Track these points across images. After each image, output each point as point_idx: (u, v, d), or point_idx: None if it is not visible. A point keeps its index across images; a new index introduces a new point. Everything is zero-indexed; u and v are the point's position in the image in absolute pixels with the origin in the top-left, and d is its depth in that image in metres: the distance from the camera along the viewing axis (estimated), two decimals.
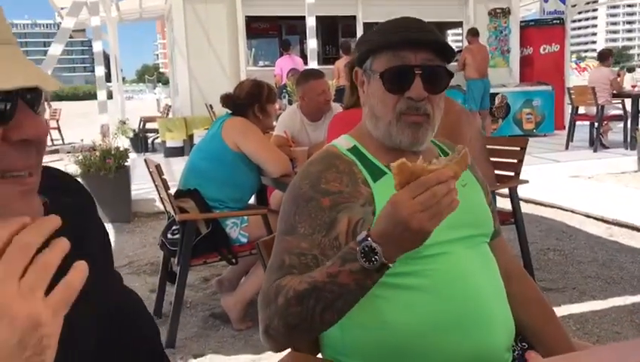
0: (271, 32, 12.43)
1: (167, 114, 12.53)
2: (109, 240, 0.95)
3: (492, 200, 1.48)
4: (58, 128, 13.17)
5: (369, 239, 1.01)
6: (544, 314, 1.41)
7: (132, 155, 6.80)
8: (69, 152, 6.27)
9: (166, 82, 45.39)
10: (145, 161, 3.28)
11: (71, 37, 7.48)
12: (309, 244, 1.20)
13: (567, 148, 8.81)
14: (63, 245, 0.55)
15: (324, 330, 1.18)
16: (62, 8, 11.06)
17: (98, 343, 0.78)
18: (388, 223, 0.99)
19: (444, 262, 1.22)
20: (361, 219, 1.22)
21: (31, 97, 0.64)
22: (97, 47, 6.27)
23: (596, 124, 8.61)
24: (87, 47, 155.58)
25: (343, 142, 1.36)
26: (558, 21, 11.56)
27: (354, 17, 10.97)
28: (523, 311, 1.37)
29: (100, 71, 6.28)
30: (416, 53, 1.24)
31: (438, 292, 1.19)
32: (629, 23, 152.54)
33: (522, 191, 3.71)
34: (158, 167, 3.00)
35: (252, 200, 3.70)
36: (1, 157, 0.61)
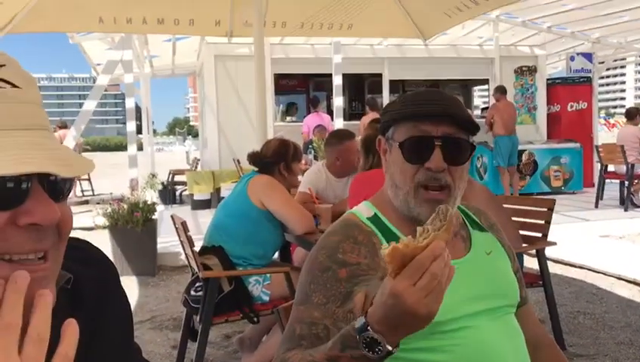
0: (299, 89, 12.69)
1: (196, 167, 12.73)
2: (130, 311, 0.95)
3: (519, 266, 1.45)
4: (89, 179, 13.47)
5: (369, 330, 0.96)
6: None
7: (160, 207, 6.90)
8: (98, 203, 6.38)
9: (196, 135, 46.34)
10: (172, 217, 3.32)
11: (105, 90, 7.72)
12: (322, 314, 1.17)
13: (596, 206, 8.67)
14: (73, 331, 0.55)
15: None
16: (97, 64, 11.48)
17: None
18: (391, 313, 0.93)
19: (467, 336, 1.19)
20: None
21: (51, 183, 0.65)
22: (130, 103, 6.47)
23: (626, 183, 8.48)
24: (120, 100, 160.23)
25: (364, 210, 1.35)
26: (585, 79, 11.58)
27: (380, 75, 11.15)
28: None
29: (131, 126, 6.46)
30: (438, 126, 1.24)
31: None
32: None
33: (550, 251, 3.64)
34: (184, 223, 3.03)
35: (275, 257, 3.70)
36: (6, 238, 0.62)
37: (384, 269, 1.19)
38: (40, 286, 0.60)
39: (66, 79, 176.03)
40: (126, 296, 0.94)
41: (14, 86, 0.64)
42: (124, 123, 6.99)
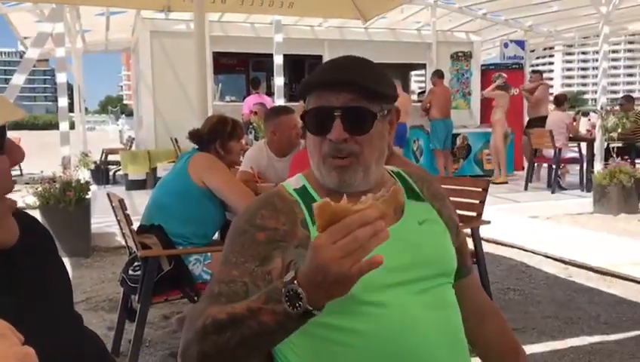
0: (238, 68, 12.54)
1: (131, 146, 12.40)
2: (68, 279, 0.93)
3: (464, 240, 1.44)
4: None
5: (295, 282, 0.94)
6: (517, 351, 1.43)
7: (92, 188, 6.68)
8: (27, 183, 6.12)
9: (129, 114, 44.99)
10: (108, 195, 3.23)
11: (34, 65, 7.38)
12: (240, 272, 1.16)
13: (526, 189, 9.04)
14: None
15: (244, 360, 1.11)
16: (25, 38, 10.94)
17: None
18: (310, 268, 0.92)
19: (385, 310, 1.17)
20: (293, 261, 1.18)
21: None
22: (61, 78, 6.20)
23: (554, 166, 8.87)
24: (49, 77, 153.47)
25: (293, 182, 1.34)
26: (518, 66, 11.98)
27: (320, 57, 11.15)
28: (499, 348, 1.38)
29: (63, 102, 6.19)
30: (339, 95, 1.21)
31: (374, 347, 1.15)
32: (583, 69, 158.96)
33: (483, 230, 3.77)
34: (121, 201, 2.95)
35: (216, 237, 3.67)
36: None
37: (301, 239, 1.20)
38: (11, 217, 0.69)
39: None
40: (64, 265, 0.92)
41: None
42: (54, 100, 6.78)
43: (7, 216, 0.70)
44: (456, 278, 1.34)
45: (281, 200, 1.27)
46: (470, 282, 1.42)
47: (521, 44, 12.23)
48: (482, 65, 12.44)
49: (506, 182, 9.62)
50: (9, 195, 0.72)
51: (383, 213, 0.90)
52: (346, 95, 1.21)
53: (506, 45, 12.20)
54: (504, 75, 10.06)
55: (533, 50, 13.25)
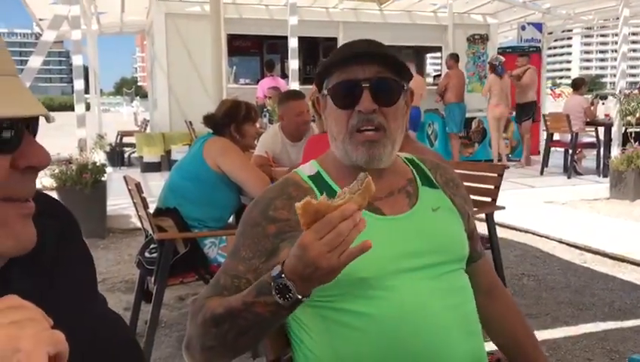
0: (252, 50, 12.49)
1: (145, 128, 12.46)
2: (93, 263, 0.95)
3: (475, 227, 1.46)
4: None
5: (283, 276, 1.01)
6: (525, 328, 1.45)
7: (108, 170, 6.74)
8: None
9: (144, 96, 45.08)
10: (124, 178, 3.26)
11: (50, 47, 7.42)
12: (245, 268, 1.21)
13: (542, 173, 8.97)
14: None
15: (240, 354, 1.20)
16: (41, 20, 10.97)
17: None
18: (298, 264, 0.98)
19: (394, 296, 1.19)
20: None
21: (32, 126, 0.66)
22: (77, 60, 6.22)
23: (570, 151, 8.78)
24: (64, 58, 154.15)
25: (307, 169, 1.35)
26: (535, 48, 11.82)
27: (335, 39, 11.08)
28: (506, 325, 1.41)
29: (79, 85, 6.21)
30: (365, 68, 1.24)
31: (386, 330, 1.17)
32: (602, 52, 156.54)
33: (498, 215, 3.76)
34: (138, 185, 2.98)
35: (231, 220, 3.69)
36: (8, 183, 0.63)
37: None
38: (29, 222, 0.66)
39: (5, 34, 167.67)
40: (88, 249, 0.93)
41: None
42: (69, 82, 6.81)
43: (21, 222, 0.67)
44: (467, 263, 1.36)
45: (296, 188, 1.29)
46: (481, 265, 1.44)
47: (538, 26, 12.05)
48: (499, 49, 12.28)
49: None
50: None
51: (360, 205, 0.96)
52: (372, 67, 1.24)
53: (523, 28, 12.02)
54: (502, 57, 9.74)
55: (550, 33, 13.05)
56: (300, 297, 1.01)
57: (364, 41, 1.32)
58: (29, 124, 0.66)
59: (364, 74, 1.23)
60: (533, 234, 5.76)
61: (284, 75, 10.32)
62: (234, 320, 1.10)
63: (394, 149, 1.29)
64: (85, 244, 0.93)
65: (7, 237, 0.65)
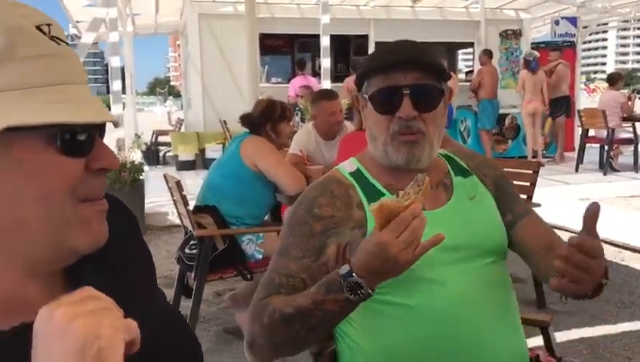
0: (284, 49, 12.56)
1: (180, 127, 12.64)
2: (152, 258, 1.00)
3: (512, 188, 1.45)
4: None
5: (354, 275, 1.07)
6: None
7: (144, 168, 6.88)
8: None
9: (177, 95, 45.61)
10: (164, 176, 3.35)
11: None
12: (298, 267, 1.25)
13: (577, 170, 8.83)
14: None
15: (308, 348, 1.27)
16: (78, 22, 11.23)
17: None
18: (375, 261, 1.05)
19: (434, 287, 1.24)
20: (349, 242, 1.27)
21: (100, 131, 0.72)
22: (115, 62, 6.38)
23: (606, 147, 8.63)
24: (99, 59, 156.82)
25: (347, 166, 1.41)
26: (569, 43, 11.63)
27: (366, 36, 11.08)
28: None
29: (117, 86, 6.37)
30: (406, 74, 1.26)
31: (426, 321, 1.23)
32: (639, 45, 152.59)
33: None
34: (178, 183, 3.06)
35: (267, 218, 3.75)
36: (85, 184, 0.68)
37: (357, 220, 1.29)
38: (104, 219, 0.71)
39: None
40: (147, 246, 0.98)
41: (65, 43, 0.67)
42: (104, 82, 6.95)
43: (98, 220, 0.72)
44: (515, 221, 1.37)
45: (338, 185, 1.34)
46: (529, 222, 1.40)
47: (573, 21, 11.84)
48: (532, 44, 12.11)
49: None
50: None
51: (423, 205, 1.06)
52: (413, 74, 1.27)
53: (557, 22, 11.83)
54: (536, 53, 9.57)
55: (585, 27, 12.82)
56: (370, 292, 1.08)
57: (405, 44, 1.34)
58: (99, 130, 0.71)
59: (405, 80, 1.26)
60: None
61: (315, 73, 10.37)
62: (304, 318, 1.15)
63: (433, 150, 1.33)
64: (144, 240, 0.98)
65: (87, 236, 0.69)
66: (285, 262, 1.27)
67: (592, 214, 1.09)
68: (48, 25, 0.66)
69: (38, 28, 0.65)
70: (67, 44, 0.68)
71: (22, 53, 0.62)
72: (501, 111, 9.98)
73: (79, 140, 0.66)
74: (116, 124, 0.85)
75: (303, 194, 1.37)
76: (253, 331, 1.21)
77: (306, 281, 1.23)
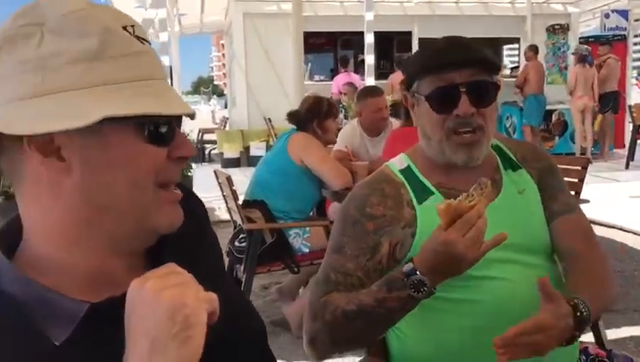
0: (326, 47, 12.62)
1: (225, 125, 12.86)
2: (220, 246, 1.05)
3: (560, 179, 1.46)
4: None
5: (417, 273, 1.11)
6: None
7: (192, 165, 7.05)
8: None
9: (220, 94, 46.18)
10: (214, 172, 3.45)
11: None
12: (354, 266, 1.28)
13: (627, 167, 8.61)
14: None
15: (368, 345, 1.31)
16: None
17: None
18: (440, 258, 1.09)
19: (485, 285, 1.27)
20: (400, 241, 1.30)
21: (178, 122, 0.78)
22: (165, 61, 6.55)
23: None
24: None
25: (397, 163, 1.42)
26: (620, 37, 11.31)
27: (409, 33, 11.04)
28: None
29: None
30: (460, 72, 1.27)
31: (477, 316, 1.27)
32: None
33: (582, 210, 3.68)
34: (228, 178, 3.16)
35: (312, 213, 3.81)
36: (165, 171, 0.74)
37: (407, 219, 1.31)
38: (177, 206, 0.77)
39: None
40: (217, 238, 1.03)
41: (147, 42, 0.74)
42: None
43: (175, 205, 0.77)
44: (551, 219, 1.38)
45: (389, 184, 1.36)
46: (568, 224, 1.38)
47: (623, 13, 11.50)
48: (580, 38, 11.83)
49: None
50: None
51: (486, 206, 1.10)
52: (467, 71, 1.28)
53: (606, 16, 11.51)
54: (588, 47, 9.32)
55: (637, 20, 12.42)
56: (433, 290, 1.12)
57: (454, 42, 1.35)
58: (177, 121, 0.77)
59: (460, 78, 1.27)
60: (620, 229, 5.57)
61: (357, 71, 10.39)
62: (366, 316, 1.18)
63: (489, 145, 1.35)
64: (214, 231, 1.04)
65: (165, 218, 0.76)
66: (341, 261, 1.29)
67: (542, 284, 1.11)
68: (132, 26, 0.73)
69: (124, 28, 0.72)
70: (149, 42, 0.75)
71: (113, 52, 0.69)
72: (548, 107, 9.80)
73: (163, 131, 0.73)
74: (192, 117, 0.91)
75: (353, 191, 1.40)
76: (314, 328, 1.24)
77: (362, 279, 1.26)
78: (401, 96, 1.45)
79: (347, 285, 1.26)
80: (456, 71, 1.28)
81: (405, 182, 1.36)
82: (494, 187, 1.36)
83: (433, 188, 1.34)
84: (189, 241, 0.87)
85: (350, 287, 1.25)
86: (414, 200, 1.33)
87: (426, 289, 1.11)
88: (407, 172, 1.38)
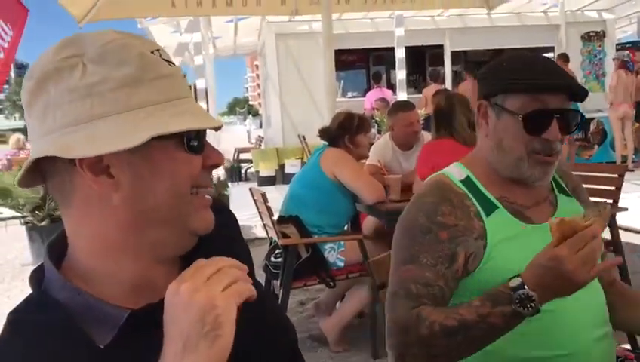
0: (358, 64, 12.70)
1: (260, 144, 13.03)
2: (250, 254, 1.10)
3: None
4: None
5: (525, 287, 1.09)
6: None
7: (228, 184, 7.17)
8: None
9: (255, 114, 46.77)
10: (250, 190, 3.53)
11: None
12: (434, 275, 1.26)
13: None
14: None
15: (464, 359, 1.26)
16: (163, 47, 11.82)
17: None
18: (549, 275, 1.07)
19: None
20: (474, 253, 1.29)
21: (204, 135, 0.84)
22: (200, 84, 6.74)
23: None
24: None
25: (456, 172, 1.40)
26: None
27: (441, 46, 11.03)
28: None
29: (203, 107, 6.72)
30: (555, 97, 1.29)
31: (530, 324, 1.23)
32: None
33: (622, 219, 3.63)
34: (263, 195, 3.23)
35: (346, 228, 3.84)
36: (200, 178, 0.81)
37: (478, 231, 1.31)
38: (209, 211, 0.83)
39: None
40: (249, 250, 1.07)
41: (173, 64, 0.81)
42: None
43: (208, 209, 0.84)
44: None
45: (455, 195, 1.35)
46: None
47: None
48: (617, 45, 11.64)
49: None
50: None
51: (601, 229, 1.09)
52: (559, 96, 1.30)
53: None
54: (629, 52, 9.12)
55: None
56: (539, 307, 1.10)
57: (549, 63, 1.36)
58: (205, 134, 0.84)
59: (554, 103, 1.29)
60: None
61: (390, 86, 10.43)
62: (468, 331, 1.16)
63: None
64: (243, 238, 1.09)
65: (201, 220, 0.82)
66: (418, 271, 1.27)
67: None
68: (157, 50, 0.80)
69: (152, 53, 0.78)
70: (174, 64, 0.81)
71: (150, 76, 0.76)
72: (586, 115, 9.63)
73: (197, 143, 0.80)
74: (218, 129, 0.98)
75: (417, 201, 1.38)
76: (406, 342, 1.22)
77: (443, 289, 1.25)
78: (476, 103, 1.42)
79: (430, 296, 1.24)
80: (551, 95, 1.29)
81: (468, 193, 1.35)
82: (551, 205, 1.40)
83: (497, 202, 1.34)
84: (220, 244, 0.93)
85: (433, 298, 1.24)
86: (481, 213, 1.32)
87: (532, 305, 1.08)
88: (467, 183, 1.37)
